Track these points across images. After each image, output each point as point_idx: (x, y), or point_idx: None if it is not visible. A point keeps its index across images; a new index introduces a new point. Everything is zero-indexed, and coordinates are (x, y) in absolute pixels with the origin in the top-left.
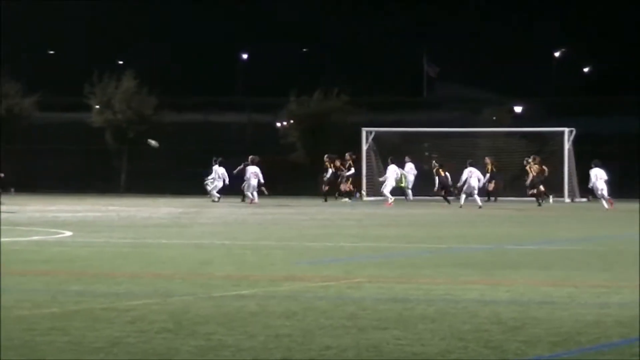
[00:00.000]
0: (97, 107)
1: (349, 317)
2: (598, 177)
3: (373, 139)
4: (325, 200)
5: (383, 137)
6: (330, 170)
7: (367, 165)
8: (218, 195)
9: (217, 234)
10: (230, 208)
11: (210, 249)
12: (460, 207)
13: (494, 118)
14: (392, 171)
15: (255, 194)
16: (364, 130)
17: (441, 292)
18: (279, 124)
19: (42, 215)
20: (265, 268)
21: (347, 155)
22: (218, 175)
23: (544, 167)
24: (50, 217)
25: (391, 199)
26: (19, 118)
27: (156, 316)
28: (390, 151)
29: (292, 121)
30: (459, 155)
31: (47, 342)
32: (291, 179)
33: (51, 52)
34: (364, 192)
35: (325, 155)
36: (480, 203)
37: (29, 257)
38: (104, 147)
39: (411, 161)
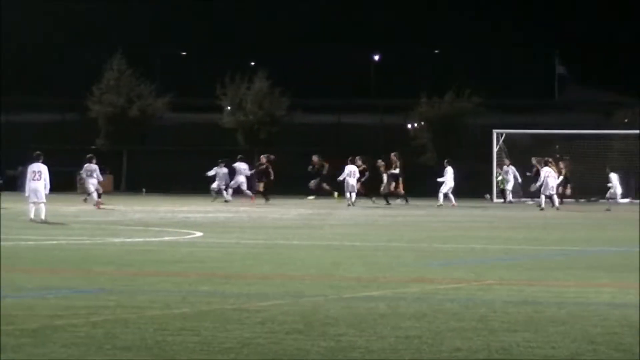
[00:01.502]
0: (229, 108)
1: (479, 319)
2: None
3: (504, 141)
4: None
5: (514, 139)
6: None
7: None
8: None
9: (347, 235)
10: (360, 210)
11: (341, 250)
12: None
13: (626, 120)
14: (450, 173)
15: (353, 194)
16: (495, 132)
17: (572, 295)
18: (410, 126)
19: (174, 216)
20: (395, 269)
21: (392, 156)
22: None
23: None
24: (181, 217)
25: (441, 202)
26: (152, 119)
27: (286, 317)
28: (521, 153)
29: (422, 123)
30: (590, 157)
31: (178, 342)
32: (421, 180)
33: (183, 53)
34: (487, 195)
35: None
36: (557, 204)
37: (161, 257)
38: (236, 148)
39: (512, 164)
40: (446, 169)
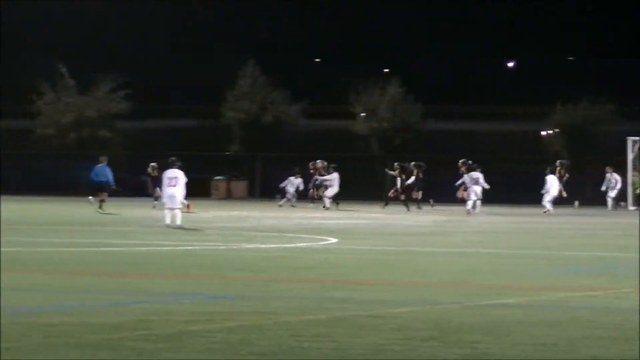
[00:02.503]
0: (362, 114)
1: (615, 327)
2: None
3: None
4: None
5: None
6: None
7: (632, 175)
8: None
9: (480, 242)
10: (490, 217)
11: (474, 257)
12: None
13: None
14: (551, 181)
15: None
16: (630, 139)
17: None
18: (543, 133)
19: (308, 223)
20: (527, 277)
21: (412, 166)
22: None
23: None
24: (315, 224)
25: (548, 209)
26: (285, 125)
27: (421, 324)
28: None
29: (557, 130)
30: None
31: (314, 348)
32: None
33: (317, 60)
34: (622, 203)
35: (396, 163)
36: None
37: (295, 263)
38: (369, 155)
39: (614, 171)
40: (547, 177)
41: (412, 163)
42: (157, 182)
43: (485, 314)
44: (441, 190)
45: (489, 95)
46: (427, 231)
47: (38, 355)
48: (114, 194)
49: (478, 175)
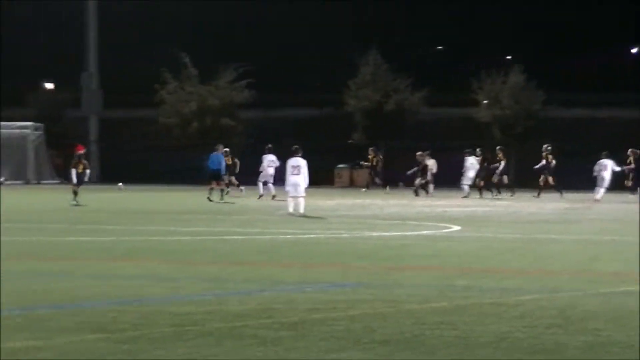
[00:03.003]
0: (485, 102)
1: None
2: None
3: None
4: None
5: None
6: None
7: None
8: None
9: (605, 229)
10: (617, 204)
11: (599, 244)
12: None
13: None
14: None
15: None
16: None
17: None
18: None
19: (431, 210)
20: None
21: (498, 150)
22: None
23: None
24: (438, 211)
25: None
26: (408, 113)
27: (544, 312)
28: None
29: None
30: None
31: (436, 336)
32: None
33: (439, 47)
34: None
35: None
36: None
37: (418, 251)
38: (491, 143)
39: None
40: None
41: (498, 147)
42: (230, 169)
43: (609, 301)
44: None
45: (612, 82)
46: (550, 219)
47: (165, 343)
48: (231, 182)
49: (607, 162)
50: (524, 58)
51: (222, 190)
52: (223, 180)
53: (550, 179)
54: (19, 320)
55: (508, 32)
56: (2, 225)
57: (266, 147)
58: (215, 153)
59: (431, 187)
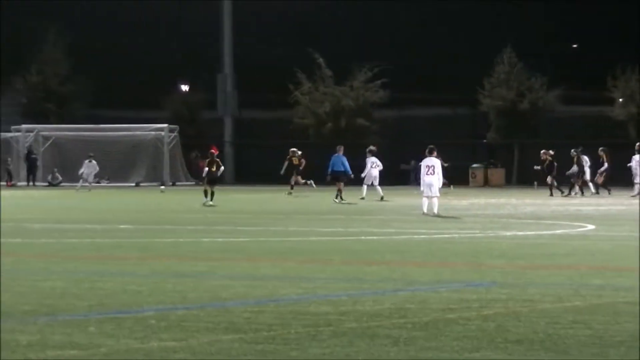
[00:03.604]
0: (620, 100)
1: None
2: None
3: None
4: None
5: None
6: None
7: None
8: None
9: None
10: None
11: None
12: None
13: None
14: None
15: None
16: None
17: None
18: None
19: (565, 209)
20: None
21: (600, 151)
22: None
23: None
24: (573, 210)
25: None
26: (543, 112)
27: None
28: None
29: None
30: None
31: (570, 335)
32: None
33: (574, 45)
34: None
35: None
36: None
37: (552, 250)
38: (627, 142)
39: None
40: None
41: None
42: (296, 169)
43: None
44: None
45: None
46: None
47: (299, 344)
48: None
49: None
50: None
51: (338, 191)
52: (341, 181)
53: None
54: (153, 321)
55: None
56: (138, 226)
57: (368, 150)
58: (336, 155)
59: (591, 185)
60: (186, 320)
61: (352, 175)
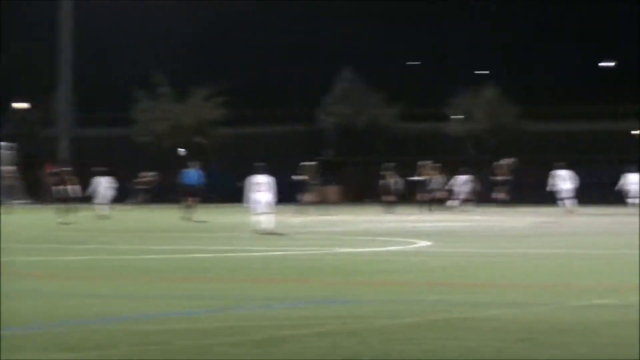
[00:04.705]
0: (458, 117)
1: None
2: None
3: None
4: None
5: None
6: None
7: None
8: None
9: (575, 243)
10: (587, 217)
11: (568, 258)
12: None
13: None
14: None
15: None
16: None
17: None
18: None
19: (401, 226)
20: (623, 277)
21: (430, 169)
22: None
23: None
24: (409, 227)
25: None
26: (381, 128)
27: (514, 326)
28: None
29: None
30: None
31: (405, 351)
32: None
33: (412, 62)
34: None
35: None
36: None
37: (388, 267)
38: (466, 158)
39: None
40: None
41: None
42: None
43: (578, 315)
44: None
45: (585, 96)
46: (522, 233)
47: None
48: (206, 200)
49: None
50: (497, 72)
51: (188, 207)
52: (194, 196)
53: (503, 195)
54: None
55: (480, 47)
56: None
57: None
58: (189, 170)
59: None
60: (21, 338)
61: (205, 188)
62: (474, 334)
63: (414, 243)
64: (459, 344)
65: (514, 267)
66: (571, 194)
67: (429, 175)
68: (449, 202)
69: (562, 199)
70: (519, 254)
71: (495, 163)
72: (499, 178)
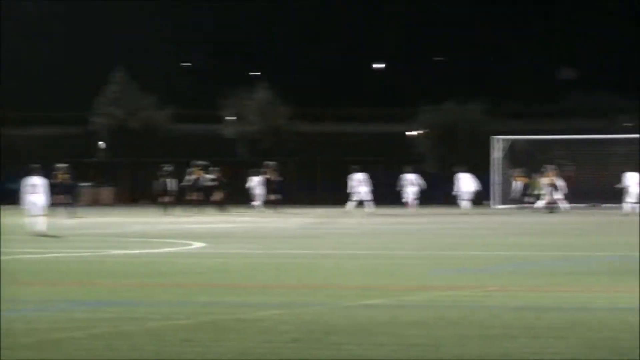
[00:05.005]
0: (230, 118)
1: (479, 326)
2: None
3: (509, 148)
4: None
5: (517, 146)
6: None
7: (498, 174)
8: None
9: (348, 244)
10: (362, 218)
11: (341, 259)
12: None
13: (630, 125)
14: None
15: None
16: (494, 138)
17: (572, 301)
18: (409, 133)
19: (176, 227)
20: (396, 278)
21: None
22: None
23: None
24: (184, 228)
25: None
26: (154, 130)
27: (286, 327)
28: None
29: (424, 130)
30: (593, 162)
31: (177, 353)
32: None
33: (184, 64)
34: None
35: None
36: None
37: (161, 268)
38: (237, 159)
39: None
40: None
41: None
42: None
43: (351, 315)
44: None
45: (357, 97)
46: (295, 234)
47: None
48: None
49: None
50: (270, 74)
51: None
52: None
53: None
54: None
55: (253, 48)
56: None
57: None
58: None
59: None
60: None
61: None
62: (245, 335)
63: (189, 245)
64: (231, 345)
65: (285, 269)
66: (369, 197)
67: (198, 175)
68: (253, 203)
69: (359, 201)
70: (290, 255)
71: (266, 164)
72: (272, 179)
